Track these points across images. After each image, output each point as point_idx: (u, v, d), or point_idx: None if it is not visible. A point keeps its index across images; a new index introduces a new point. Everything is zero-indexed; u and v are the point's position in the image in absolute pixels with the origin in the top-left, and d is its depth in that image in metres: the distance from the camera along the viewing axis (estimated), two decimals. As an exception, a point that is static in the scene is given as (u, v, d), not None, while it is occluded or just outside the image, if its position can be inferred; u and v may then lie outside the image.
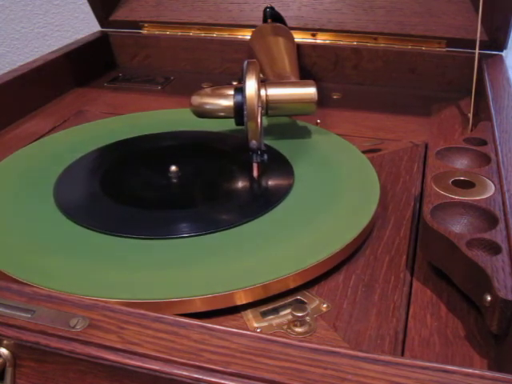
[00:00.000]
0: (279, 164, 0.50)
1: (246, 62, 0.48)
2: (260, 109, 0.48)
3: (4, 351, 0.27)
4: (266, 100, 0.52)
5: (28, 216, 0.43)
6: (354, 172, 0.49)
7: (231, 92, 0.50)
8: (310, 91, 0.53)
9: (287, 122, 0.59)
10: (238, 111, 0.49)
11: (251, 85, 0.46)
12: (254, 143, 0.47)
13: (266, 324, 0.34)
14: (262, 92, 0.52)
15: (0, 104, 0.61)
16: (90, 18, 0.90)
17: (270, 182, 0.48)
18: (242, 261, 0.38)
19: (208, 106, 0.52)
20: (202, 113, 0.53)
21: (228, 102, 0.50)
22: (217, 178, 0.49)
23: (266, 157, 0.48)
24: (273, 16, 0.72)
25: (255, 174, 0.48)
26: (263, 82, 0.53)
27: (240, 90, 0.49)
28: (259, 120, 0.47)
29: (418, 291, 0.37)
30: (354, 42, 0.74)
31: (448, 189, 0.40)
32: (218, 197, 0.46)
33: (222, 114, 0.51)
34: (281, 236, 0.40)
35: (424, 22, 0.71)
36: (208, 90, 0.53)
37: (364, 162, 0.50)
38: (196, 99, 0.52)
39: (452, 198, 0.39)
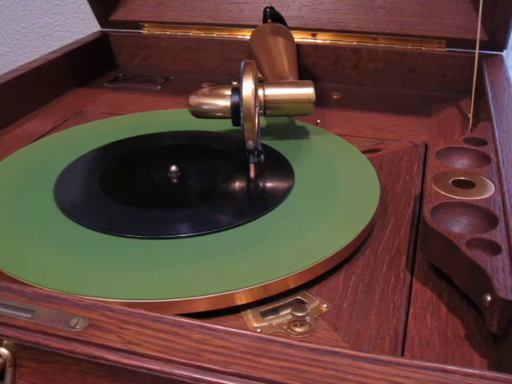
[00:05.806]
0: (279, 164, 0.50)
1: (242, 63, 0.48)
2: (258, 109, 0.47)
3: (4, 351, 0.27)
4: (264, 100, 0.52)
5: (28, 216, 0.43)
6: (353, 172, 0.49)
7: (229, 92, 0.50)
8: (307, 91, 0.53)
9: (287, 122, 0.59)
10: (235, 112, 0.49)
11: (248, 85, 0.46)
12: (250, 143, 0.47)
13: (266, 324, 0.34)
14: (260, 92, 0.51)
15: (0, 104, 0.61)
16: (90, 18, 0.90)
17: (271, 183, 0.48)
18: (242, 261, 0.38)
19: (205, 107, 0.52)
20: (199, 113, 0.53)
21: (225, 103, 0.50)
22: (217, 178, 0.49)
23: (262, 157, 0.48)
24: (273, 16, 0.72)
25: (252, 174, 0.48)
26: (261, 82, 0.53)
27: (237, 90, 0.49)
28: (256, 120, 0.47)
29: (418, 291, 0.37)
30: (353, 42, 0.74)
31: (448, 189, 0.40)
32: (218, 196, 0.46)
33: (220, 114, 0.51)
34: (281, 236, 0.40)
35: (424, 22, 0.71)
36: (205, 90, 0.53)
37: (364, 162, 0.50)
38: (193, 99, 0.52)
39: (452, 198, 0.39)
